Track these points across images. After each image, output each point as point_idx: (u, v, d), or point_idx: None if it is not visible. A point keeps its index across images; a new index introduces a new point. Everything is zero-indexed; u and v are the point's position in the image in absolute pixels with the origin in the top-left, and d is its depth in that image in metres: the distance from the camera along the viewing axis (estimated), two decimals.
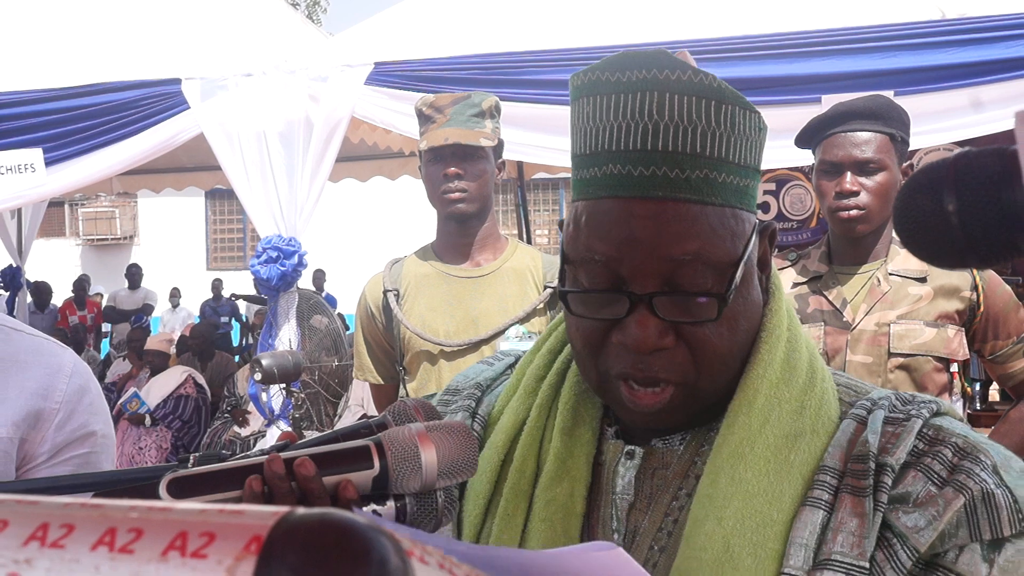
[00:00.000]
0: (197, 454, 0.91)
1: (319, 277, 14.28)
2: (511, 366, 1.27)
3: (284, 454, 0.89)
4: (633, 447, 1.09)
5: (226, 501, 0.85)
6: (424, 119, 2.93)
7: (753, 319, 1.05)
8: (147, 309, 14.67)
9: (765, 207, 6.42)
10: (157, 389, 8.12)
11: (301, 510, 0.45)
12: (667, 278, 0.98)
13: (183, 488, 0.88)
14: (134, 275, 15.22)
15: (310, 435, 0.99)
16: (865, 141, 2.69)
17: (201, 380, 8.42)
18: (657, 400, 1.01)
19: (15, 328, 1.54)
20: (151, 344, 8.85)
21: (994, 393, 6.72)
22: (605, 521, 1.08)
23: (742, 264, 0.99)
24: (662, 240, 0.96)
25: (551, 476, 1.09)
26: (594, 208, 1.00)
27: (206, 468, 0.89)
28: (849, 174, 2.68)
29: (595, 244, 0.99)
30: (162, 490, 0.87)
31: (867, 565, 0.94)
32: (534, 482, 1.11)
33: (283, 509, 0.45)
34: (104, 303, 15.43)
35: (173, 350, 9.18)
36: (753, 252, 1.03)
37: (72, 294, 14.34)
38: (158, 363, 8.53)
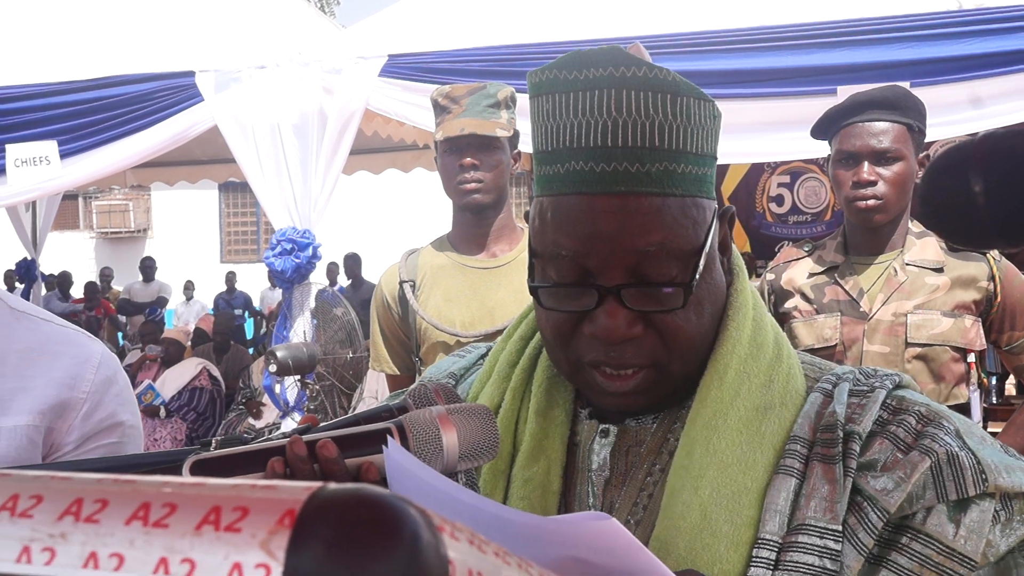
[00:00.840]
0: (219, 438, 0.91)
1: (332, 270, 14.28)
2: (482, 356, 1.32)
3: (306, 437, 0.90)
4: (607, 426, 1.13)
5: None
6: (440, 109, 2.93)
7: (717, 301, 1.08)
8: (161, 302, 14.69)
9: (779, 200, 6.40)
10: (172, 381, 8.15)
11: (334, 485, 0.45)
12: (633, 269, 1.00)
13: (206, 470, 0.88)
14: (148, 268, 15.26)
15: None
16: (883, 131, 2.68)
17: (215, 372, 8.45)
18: (630, 381, 1.04)
19: (44, 318, 1.54)
20: (169, 333, 8.88)
21: (1010, 387, 6.71)
22: (582, 498, 1.11)
23: (705, 251, 1.02)
24: (626, 233, 0.99)
25: (528, 456, 1.12)
26: (558, 204, 1.02)
27: (228, 451, 0.90)
28: (866, 164, 2.67)
29: (561, 239, 1.01)
30: (185, 472, 0.88)
31: (840, 528, 0.97)
32: (511, 462, 1.14)
33: (316, 484, 0.46)
34: (120, 296, 15.49)
35: (189, 343, 9.21)
36: (714, 238, 1.06)
37: (84, 294, 14.39)
38: (173, 352, 8.55)
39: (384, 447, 0.81)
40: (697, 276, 1.01)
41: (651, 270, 1.00)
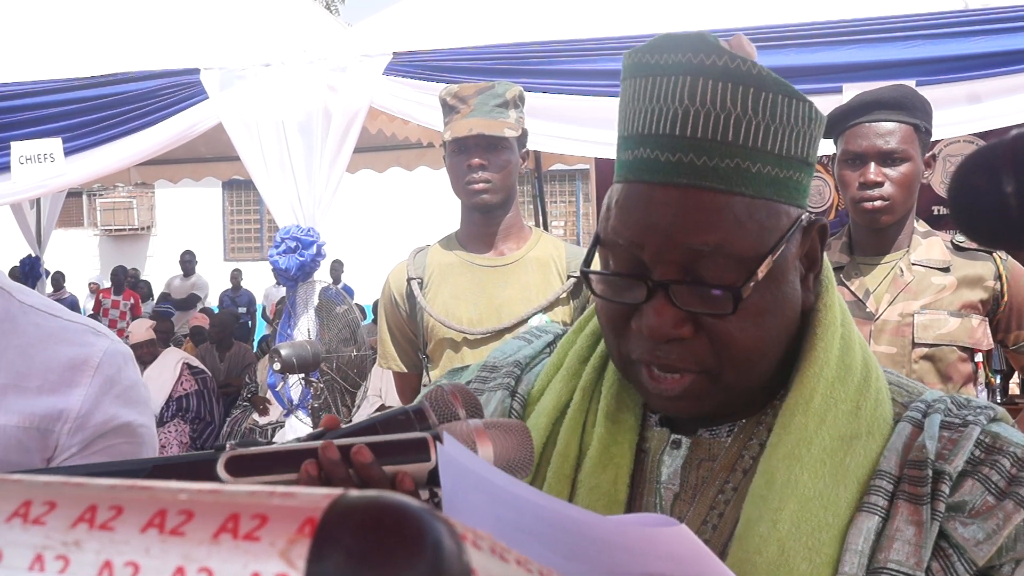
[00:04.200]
0: (234, 441, 0.90)
1: (336, 268, 14.28)
2: (550, 344, 1.26)
3: (337, 441, 0.89)
4: (679, 436, 1.08)
5: (282, 483, 0.84)
6: (448, 109, 2.92)
7: (785, 316, 1.02)
8: (193, 300, 14.34)
9: None
10: (156, 391, 7.57)
11: (354, 492, 0.44)
12: (688, 267, 0.96)
13: (241, 467, 0.88)
14: (188, 263, 14.88)
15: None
16: (889, 131, 2.66)
17: (195, 362, 8.12)
18: (676, 385, 0.99)
19: (52, 313, 1.48)
20: (135, 338, 8.15)
21: (1014, 387, 6.70)
22: (648, 510, 1.06)
23: (769, 259, 0.96)
24: (682, 228, 0.95)
25: (595, 462, 1.08)
26: (623, 191, 0.99)
27: (264, 449, 0.89)
28: (873, 164, 2.66)
29: (620, 228, 0.98)
30: (220, 468, 0.87)
31: (923, 575, 0.93)
32: (576, 466, 1.09)
33: (336, 491, 0.45)
34: (162, 292, 15.17)
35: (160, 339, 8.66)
36: (789, 248, 0.99)
37: (110, 283, 14.24)
38: (147, 354, 7.96)
39: (439, 443, 0.79)
40: (749, 283, 0.95)
41: (706, 270, 0.96)
